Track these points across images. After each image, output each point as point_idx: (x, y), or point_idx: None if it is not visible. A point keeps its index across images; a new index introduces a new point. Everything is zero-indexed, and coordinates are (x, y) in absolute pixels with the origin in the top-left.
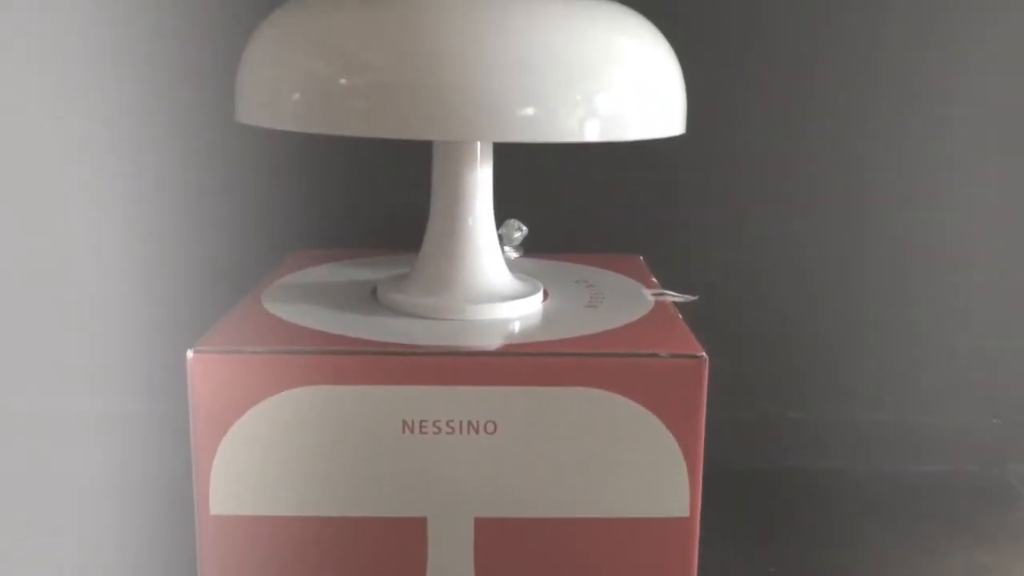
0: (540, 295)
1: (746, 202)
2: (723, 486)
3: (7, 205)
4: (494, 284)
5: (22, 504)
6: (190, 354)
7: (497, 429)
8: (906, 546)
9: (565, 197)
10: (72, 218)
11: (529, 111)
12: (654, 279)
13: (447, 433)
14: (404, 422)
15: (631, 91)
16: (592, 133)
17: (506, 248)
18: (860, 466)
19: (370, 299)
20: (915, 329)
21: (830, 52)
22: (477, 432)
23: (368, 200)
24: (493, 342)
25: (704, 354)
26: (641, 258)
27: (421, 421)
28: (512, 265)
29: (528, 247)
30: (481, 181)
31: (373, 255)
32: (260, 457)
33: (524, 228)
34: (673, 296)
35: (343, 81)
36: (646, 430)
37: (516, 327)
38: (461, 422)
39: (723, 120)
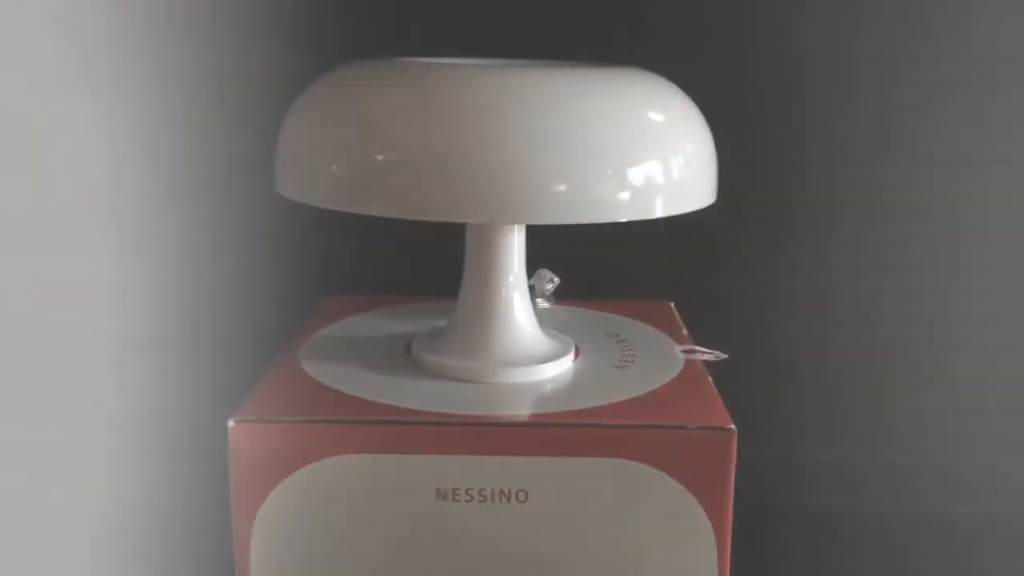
0: (571, 355)
1: (777, 245)
2: (751, 524)
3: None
4: (526, 347)
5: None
6: (231, 423)
7: (528, 497)
8: None
9: (596, 238)
10: (103, 263)
11: (564, 190)
12: (684, 331)
13: (479, 501)
14: (438, 489)
15: (667, 170)
16: (627, 212)
17: (538, 300)
18: (892, 507)
19: (404, 356)
20: (949, 373)
21: (862, 103)
22: (508, 500)
23: (401, 243)
24: (524, 409)
25: (733, 426)
26: (672, 305)
27: (454, 489)
28: (543, 316)
29: (559, 292)
30: (516, 251)
31: (407, 302)
32: (298, 522)
33: (556, 279)
34: (703, 353)
35: (380, 157)
36: (675, 500)
37: (547, 391)
38: (493, 490)
39: (754, 168)
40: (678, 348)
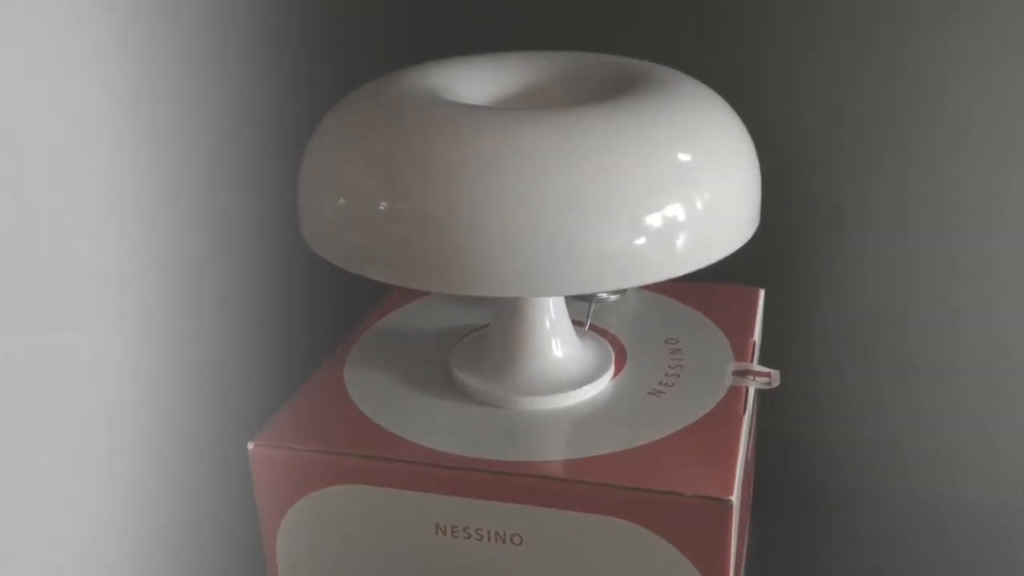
0: (606, 377)
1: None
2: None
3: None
4: (557, 374)
5: None
6: (250, 446)
7: (523, 542)
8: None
9: None
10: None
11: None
12: (755, 336)
13: (476, 539)
14: (437, 525)
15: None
16: (668, 271)
17: (600, 294)
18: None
19: (442, 366)
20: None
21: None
22: (504, 542)
23: None
24: (532, 451)
25: (732, 498)
26: (761, 293)
27: (453, 526)
28: (607, 308)
29: None
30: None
31: None
32: (313, 540)
33: None
34: (755, 376)
35: (383, 205)
36: (669, 563)
37: (568, 423)
38: (489, 531)
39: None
40: (731, 367)
